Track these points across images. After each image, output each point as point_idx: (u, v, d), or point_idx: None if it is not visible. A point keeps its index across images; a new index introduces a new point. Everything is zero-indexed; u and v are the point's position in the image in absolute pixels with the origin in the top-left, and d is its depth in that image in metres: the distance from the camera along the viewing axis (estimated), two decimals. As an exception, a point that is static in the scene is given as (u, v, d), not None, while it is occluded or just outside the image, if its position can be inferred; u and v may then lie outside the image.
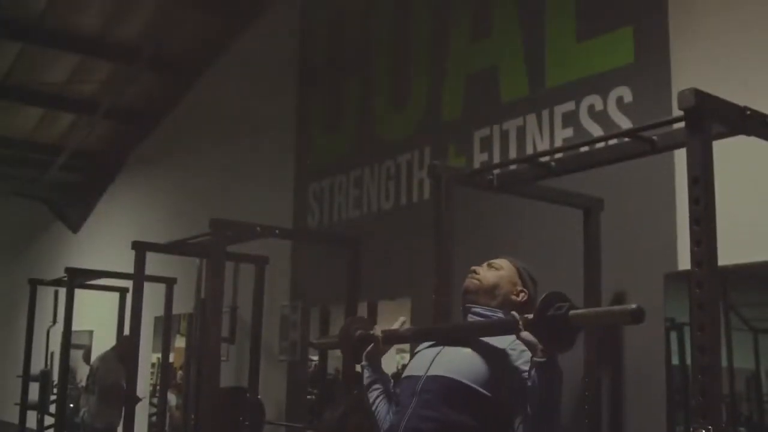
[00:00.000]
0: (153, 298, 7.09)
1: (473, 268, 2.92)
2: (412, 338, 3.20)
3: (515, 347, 2.68)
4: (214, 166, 8.24)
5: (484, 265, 2.96)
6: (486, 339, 2.73)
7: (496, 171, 3.63)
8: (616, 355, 4.02)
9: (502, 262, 2.97)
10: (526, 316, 2.53)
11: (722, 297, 3.18)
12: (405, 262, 5.11)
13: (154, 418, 8.14)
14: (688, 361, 3.67)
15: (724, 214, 2.61)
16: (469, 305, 2.89)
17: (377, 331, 3.07)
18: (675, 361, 3.80)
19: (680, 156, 3.21)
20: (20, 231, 13.90)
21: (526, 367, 2.60)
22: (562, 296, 2.47)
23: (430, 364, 2.76)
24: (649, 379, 3.84)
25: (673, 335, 3.80)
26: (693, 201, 2.59)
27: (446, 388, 2.67)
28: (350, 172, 6.10)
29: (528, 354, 2.57)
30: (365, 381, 3.05)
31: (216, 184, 8.06)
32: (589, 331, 3.90)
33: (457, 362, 2.70)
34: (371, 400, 3.00)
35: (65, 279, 7.64)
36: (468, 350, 2.72)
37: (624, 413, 3.97)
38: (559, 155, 3.57)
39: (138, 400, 6.35)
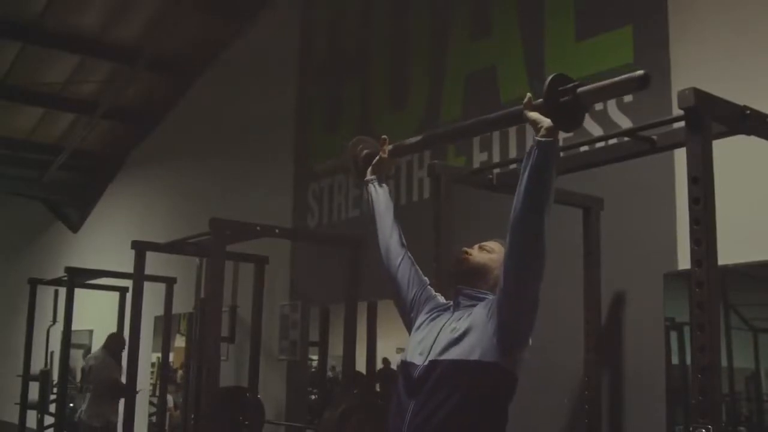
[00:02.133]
0: (153, 297, 7.09)
1: (464, 248, 2.84)
2: (420, 146, 3.18)
3: None
4: (213, 166, 8.24)
5: (476, 246, 2.87)
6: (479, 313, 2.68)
7: (496, 170, 3.63)
8: (616, 354, 4.02)
9: (494, 245, 2.87)
10: (533, 100, 2.52)
11: (722, 296, 3.19)
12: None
13: (153, 418, 8.14)
14: (688, 360, 3.67)
15: (724, 213, 2.61)
16: (460, 287, 2.81)
17: (384, 150, 3.08)
18: (675, 360, 3.80)
19: (680, 155, 3.22)
20: (20, 231, 13.89)
21: None
22: (566, 77, 2.42)
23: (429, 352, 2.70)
24: (649, 379, 3.84)
25: (673, 335, 3.80)
26: (693, 200, 2.59)
27: (450, 370, 2.62)
28: (350, 171, 6.08)
29: None
30: (371, 195, 3.09)
31: (216, 184, 8.06)
32: (588, 332, 3.90)
33: (455, 342, 2.65)
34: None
35: (65, 278, 7.64)
36: (463, 328, 2.67)
37: (624, 413, 3.97)
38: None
39: (136, 392, 6.37)
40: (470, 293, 2.78)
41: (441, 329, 2.72)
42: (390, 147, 3.09)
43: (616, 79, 2.33)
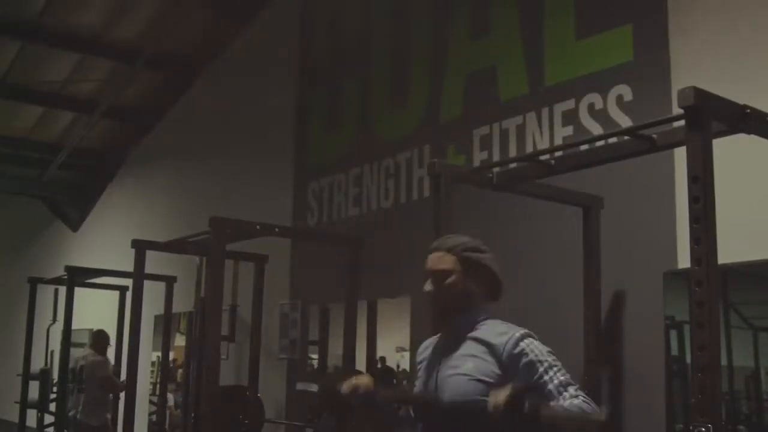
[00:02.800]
0: (153, 296, 7.09)
1: (425, 288, 2.73)
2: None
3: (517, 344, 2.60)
4: (213, 165, 8.24)
5: (429, 277, 2.74)
6: (484, 338, 2.65)
7: (496, 169, 3.63)
8: (616, 352, 4.02)
9: (444, 261, 2.74)
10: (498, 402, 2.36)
11: (722, 295, 3.19)
12: (405, 260, 5.10)
13: (153, 417, 8.14)
14: (688, 359, 3.67)
15: (724, 212, 2.61)
16: (449, 319, 2.77)
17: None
18: (674, 359, 3.80)
19: (680, 154, 3.22)
20: (20, 230, 13.89)
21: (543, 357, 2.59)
22: (532, 395, 2.39)
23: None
24: (649, 378, 3.84)
25: (673, 334, 3.80)
26: (693, 199, 2.59)
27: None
28: (350, 170, 6.10)
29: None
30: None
31: (215, 183, 8.06)
32: (588, 331, 3.90)
33: (459, 380, 2.62)
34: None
35: (65, 277, 7.64)
36: (469, 363, 2.63)
37: (623, 411, 3.97)
38: (558, 153, 3.56)
39: (123, 384, 6.41)
40: (461, 322, 2.74)
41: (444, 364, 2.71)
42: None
43: (582, 416, 2.43)
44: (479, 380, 2.57)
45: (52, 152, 10.62)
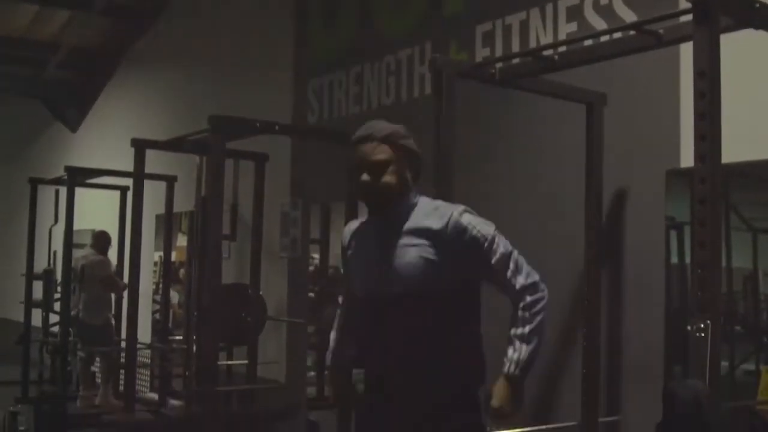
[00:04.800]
0: (154, 196, 7.10)
1: (362, 179, 2.70)
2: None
3: (460, 219, 2.65)
4: (213, 63, 8.14)
5: (365, 169, 2.70)
6: (423, 224, 2.66)
7: (499, 65, 3.57)
8: (617, 252, 4.03)
9: (382, 152, 2.70)
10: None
11: (723, 196, 3.18)
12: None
13: (157, 315, 8.25)
14: (688, 260, 3.69)
15: (725, 111, 2.58)
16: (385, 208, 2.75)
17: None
18: (674, 259, 3.82)
19: (686, 51, 3.16)
20: (18, 131, 13.82)
21: (486, 231, 2.66)
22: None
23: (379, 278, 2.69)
24: (648, 278, 3.86)
25: (673, 235, 3.80)
26: (698, 95, 2.55)
27: (409, 300, 2.63)
28: (350, 67, 6.03)
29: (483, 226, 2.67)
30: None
31: (215, 81, 7.98)
32: (589, 228, 3.91)
33: (409, 268, 2.64)
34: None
35: (65, 178, 7.62)
36: (413, 250, 2.64)
37: (623, 310, 4.01)
38: (562, 49, 3.51)
39: (125, 286, 6.47)
40: (403, 209, 2.73)
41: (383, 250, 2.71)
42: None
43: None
44: (431, 261, 2.61)
45: (49, 51, 10.48)
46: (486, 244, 2.63)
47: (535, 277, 2.67)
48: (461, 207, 2.68)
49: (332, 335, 3.10)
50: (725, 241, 3.45)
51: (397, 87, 5.56)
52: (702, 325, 2.44)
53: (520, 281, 2.63)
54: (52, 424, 6.89)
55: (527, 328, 2.60)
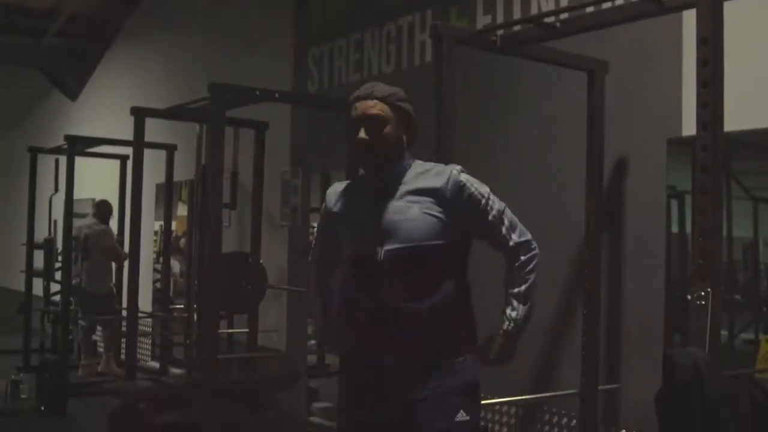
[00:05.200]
0: (154, 165, 7.08)
1: (360, 136, 2.69)
2: None
3: (457, 179, 2.68)
4: (213, 31, 8.09)
5: (363, 126, 2.70)
6: (422, 183, 2.68)
7: (500, 32, 3.55)
8: (617, 220, 4.03)
9: (380, 109, 2.71)
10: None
11: (724, 164, 3.17)
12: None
13: (158, 284, 8.26)
14: (688, 229, 3.68)
15: (729, 78, 2.56)
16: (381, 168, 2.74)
17: None
18: (674, 229, 3.81)
19: (689, 17, 3.14)
20: (17, 100, 13.77)
21: (483, 190, 2.72)
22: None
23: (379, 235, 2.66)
24: (649, 246, 3.86)
25: (674, 204, 3.80)
26: (701, 62, 2.55)
27: (408, 258, 2.62)
28: (350, 35, 5.99)
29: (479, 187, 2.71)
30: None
31: (215, 49, 7.94)
32: (589, 197, 3.90)
33: (413, 224, 2.64)
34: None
35: (65, 147, 7.60)
36: (416, 207, 2.65)
37: (623, 279, 4.01)
38: (564, 16, 3.48)
39: (126, 256, 6.48)
40: (398, 170, 2.74)
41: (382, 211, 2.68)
42: None
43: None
44: (434, 216, 2.63)
45: (47, 19, 10.40)
46: (483, 202, 2.68)
47: (528, 235, 2.74)
48: (457, 166, 2.72)
49: (315, 291, 3.06)
50: (726, 211, 3.44)
51: (397, 55, 5.52)
52: (702, 294, 2.45)
53: (514, 238, 2.70)
54: (54, 393, 6.93)
55: (523, 288, 2.68)
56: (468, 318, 2.73)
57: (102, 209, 8.20)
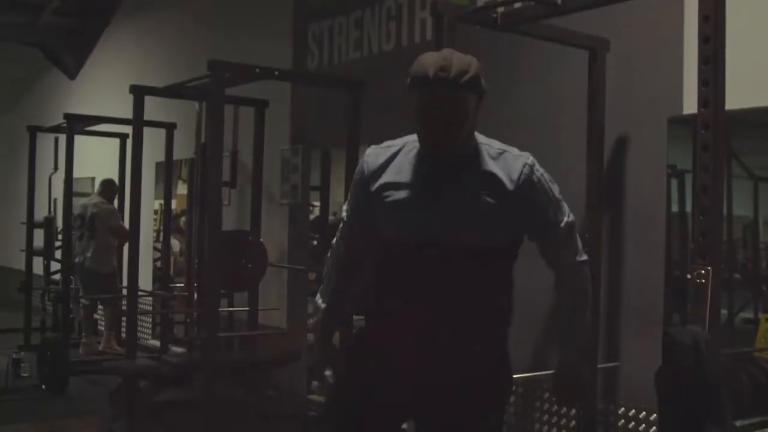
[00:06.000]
0: (153, 143, 7.06)
1: (438, 130, 2.32)
2: None
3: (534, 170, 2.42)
4: (212, 8, 8.06)
5: (440, 119, 2.31)
6: (491, 170, 2.38)
7: (501, 9, 3.53)
8: (617, 199, 4.03)
9: (464, 104, 2.32)
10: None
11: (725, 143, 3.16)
12: (407, 104, 5.04)
13: (158, 263, 8.26)
14: (688, 208, 3.68)
15: (731, 56, 2.55)
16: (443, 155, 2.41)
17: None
18: (674, 208, 3.81)
19: (691, -6, 3.12)
20: (16, 78, 13.72)
21: (555, 192, 2.48)
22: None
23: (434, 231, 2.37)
24: (649, 225, 3.86)
25: (674, 183, 3.79)
26: (702, 39, 2.54)
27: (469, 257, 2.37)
28: (350, 12, 5.97)
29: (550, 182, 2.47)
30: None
31: (214, 27, 7.90)
32: (590, 176, 3.89)
33: (477, 220, 2.36)
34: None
35: (64, 125, 7.58)
36: (482, 199, 2.35)
37: (623, 258, 4.01)
38: (565, -7, 3.46)
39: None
40: (468, 152, 2.42)
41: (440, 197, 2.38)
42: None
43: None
44: (499, 213, 2.35)
45: (45, -4, 10.37)
46: (552, 207, 2.44)
47: (585, 256, 2.51)
48: (530, 156, 2.44)
49: (329, 278, 2.72)
50: (726, 190, 3.44)
51: (397, 32, 5.50)
52: (702, 272, 2.45)
53: (576, 258, 2.47)
54: (55, 371, 6.95)
55: (584, 315, 2.51)
56: (509, 316, 2.53)
57: (109, 188, 8.19)
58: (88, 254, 7.99)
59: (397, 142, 2.53)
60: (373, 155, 2.53)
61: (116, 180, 8.32)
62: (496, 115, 4.69)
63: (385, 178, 2.47)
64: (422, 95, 2.31)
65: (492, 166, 2.39)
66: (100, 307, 8.50)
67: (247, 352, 6.24)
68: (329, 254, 2.73)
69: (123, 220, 8.02)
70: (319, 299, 2.73)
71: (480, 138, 2.44)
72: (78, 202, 8.12)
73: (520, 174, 2.38)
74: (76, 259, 7.99)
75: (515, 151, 2.46)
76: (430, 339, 2.40)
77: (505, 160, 2.40)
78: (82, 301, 8.21)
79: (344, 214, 2.69)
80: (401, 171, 2.45)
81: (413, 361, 2.41)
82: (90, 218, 7.98)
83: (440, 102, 2.29)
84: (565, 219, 2.46)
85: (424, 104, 2.31)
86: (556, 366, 2.58)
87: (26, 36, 11.61)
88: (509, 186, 2.36)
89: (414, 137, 2.45)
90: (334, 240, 2.71)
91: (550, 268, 2.51)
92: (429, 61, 2.31)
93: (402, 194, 2.42)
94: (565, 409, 2.64)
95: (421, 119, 2.33)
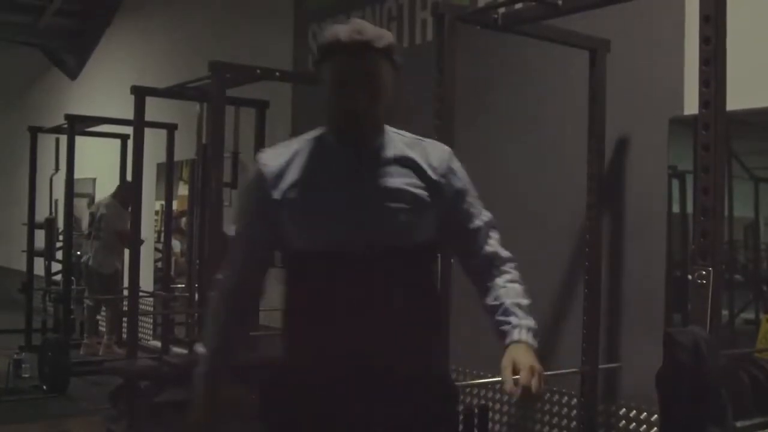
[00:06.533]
0: (154, 144, 7.06)
1: (357, 102, 2.01)
2: None
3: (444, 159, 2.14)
4: (212, 8, 8.06)
5: (359, 83, 2.01)
6: (410, 157, 2.10)
7: (501, 9, 3.53)
8: (618, 199, 4.02)
9: (384, 67, 2.04)
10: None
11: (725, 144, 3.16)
12: (407, 105, 5.04)
13: (159, 264, 8.26)
14: (689, 208, 3.68)
15: (732, 56, 2.55)
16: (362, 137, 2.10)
17: None
18: (675, 208, 3.81)
19: (692, -5, 3.12)
20: (17, 79, 13.73)
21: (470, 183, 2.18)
22: None
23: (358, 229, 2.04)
24: (650, 225, 3.86)
25: (675, 184, 3.79)
26: (703, 40, 2.53)
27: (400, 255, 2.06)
28: (351, 12, 5.97)
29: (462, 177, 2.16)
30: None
31: (215, 27, 7.91)
32: (591, 177, 3.89)
33: (405, 215, 2.05)
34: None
35: (65, 126, 7.59)
36: (408, 192, 2.06)
37: (624, 258, 4.01)
38: (566, -7, 3.46)
39: (142, 242, 6.47)
40: (382, 137, 2.13)
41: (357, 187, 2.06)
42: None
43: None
44: (428, 204, 2.08)
45: (46, -2, 10.38)
46: (474, 197, 2.19)
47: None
48: (445, 146, 2.22)
49: (216, 318, 2.27)
50: (727, 190, 3.44)
51: (398, 32, 5.50)
52: (703, 273, 2.44)
53: (505, 252, 2.18)
54: (56, 372, 6.95)
55: (526, 298, 2.12)
56: (444, 326, 2.31)
57: (123, 192, 8.16)
58: (92, 254, 8.02)
59: (295, 140, 2.19)
60: (270, 157, 2.15)
61: (117, 180, 8.32)
62: (496, 116, 4.71)
63: (290, 180, 2.09)
64: (336, 64, 2.01)
65: (412, 154, 2.11)
66: (104, 307, 8.50)
67: (248, 353, 6.23)
68: (214, 290, 2.28)
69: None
70: (201, 346, 2.27)
71: (389, 128, 2.15)
72: (96, 201, 8.14)
73: (442, 161, 2.13)
74: (83, 258, 8.02)
75: (428, 139, 2.20)
76: (377, 364, 2.02)
77: (424, 148, 2.14)
78: (87, 301, 8.22)
79: (234, 237, 2.25)
80: (310, 168, 2.10)
81: (359, 398, 2.02)
82: (98, 219, 8.01)
83: (357, 68, 2.00)
84: (485, 212, 2.19)
85: (339, 74, 2.01)
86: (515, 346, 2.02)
87: (27, 37, 11.62)
88: (432, 175, 2.09)
89: (313, 133, 2.17)
90: (220, 272, 2.26)
91: (468, 265, 2.18)
92: (340, 28, 2.04)
93: (316, 194, 2.06)
94: (564, 409, 2.60)
95: (337, 93, 2.02)
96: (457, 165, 2.16)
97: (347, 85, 2.00)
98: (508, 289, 2.09)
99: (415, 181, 2.07)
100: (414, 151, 2.11)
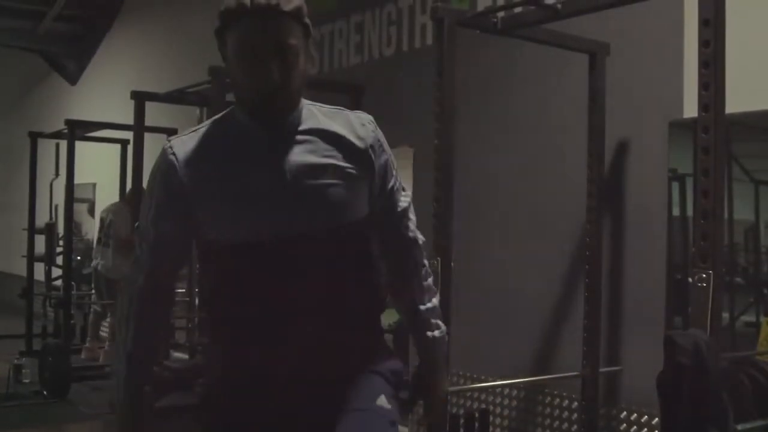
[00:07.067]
0: (155, 149, 7.04)
1: (268, 72, 1.84)
2: None
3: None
4: (212, 12, 8.02)
5: (270, 53, 1.84)
6: (331, 135, 1.96)
7: (501, 13, 3.53)
8: (618, 203, 4.03)
9: (293, 32, 1.91)
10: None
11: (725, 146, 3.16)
12: (407, 109, 5.05)
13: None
14: (689, 212, 3.68)
15: (731, 59, 2.55)
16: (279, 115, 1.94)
17: None
18: (676, 212, 3.81)
19: (691, -1, 3.12)
20: (17, 84, 13.74)
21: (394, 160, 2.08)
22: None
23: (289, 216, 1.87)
24: (650, 229, 3.86)
25: (675, 187, 3.80)
26: (703, 43, 2.54)
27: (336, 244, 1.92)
28: (350, 17, 5.97)
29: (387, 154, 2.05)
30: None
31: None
32: (591, 180, 3.89)
33: (334, 191, 1.91)
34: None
35: (65, 131, 7.59)
36: (332, 167, 1.92)
37: (624, 261, 4.01)
38: (565, -3, 3.46)
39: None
40: (298, 112, 1.99)
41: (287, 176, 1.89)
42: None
43: None
44: (357, 178, 1.95)
45: (46, 3, 10.37)
46: (394, 178, 2.06)
47: (422, 238, 2.15)
48: (368, 115, 2.07)
49: (129, 322, 2.01)
50: (727, 193, 3.44)
51: (398, 37, 5.50)
52: (703, 275, 2.45)
53: (420, 237, 2.11)
54: (56, 377, 6.94)
55: (436, 301, 2.14)
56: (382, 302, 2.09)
57: (133, 198, 8.15)
58: (101, 260, 8.04)
59: (204, 123, 2.02)
60: (178, 144, 1.95)
61: (117, 185, 8.32)
62: (496, 119, 4.71)
63: (204, 166, 1.90)
64: (241, 32, 1.86)
65: (334, 126, 1.97)
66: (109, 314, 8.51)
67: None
68: (123, 292, 2.07)
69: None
70: (117, 356, 2.05)
71: (305, 100, 2.02)
72: (106, 206, 8.16)
73: (368, 132, 1.99)
74: (92, 263, 8.05)
75: (348, 109, 2.08)
76: (318, 357, 1.89)
77: (346, 118, 2.01)
78: (95, 307, 8.23)
79: (143, 232, 2.05)
80: (223, 152, 1.91)
81: (298, 396, 1.89)
82: (108, 224, 8.02)
83: (266, 33, 1.84)
84: (406, 193, 2.10)
85: (246, 42, 1.85)
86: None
87: (27, 42, 11.63)
88: (360, 145, 1.96)
89: (223, 113, 2.01)
90: (129, 271, 2.07)
91: (386, 246, 2.08)
92: None
93: (233, 179, 1.88)
94: (566, 412, 2.58)
95: (245, 64, 1.86)
96: (382, 136, 2.03)
97: (256, 55, 1.83)
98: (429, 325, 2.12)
99: (342, 154, 1.93)
100: (336, 123, 1.98)
